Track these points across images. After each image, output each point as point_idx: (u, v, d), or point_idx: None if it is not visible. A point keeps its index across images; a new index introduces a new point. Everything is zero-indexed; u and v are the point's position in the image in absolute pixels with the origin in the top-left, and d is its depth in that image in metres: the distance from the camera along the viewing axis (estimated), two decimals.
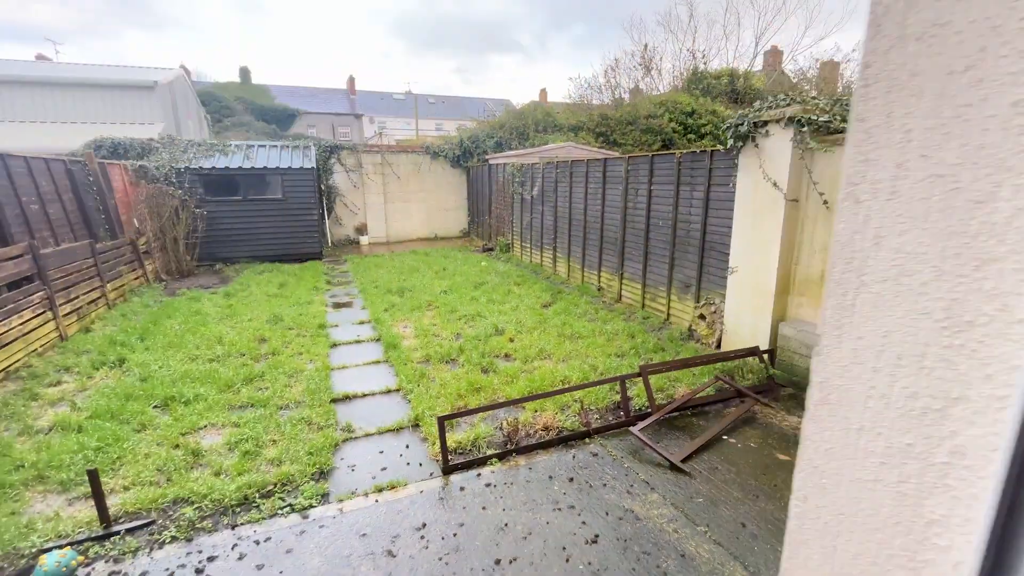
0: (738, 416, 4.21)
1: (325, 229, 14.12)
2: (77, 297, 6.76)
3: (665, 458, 3.60)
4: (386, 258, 11.98)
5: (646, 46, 23.37)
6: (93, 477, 2.87)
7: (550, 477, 3.47)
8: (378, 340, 6.29)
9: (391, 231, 15.06)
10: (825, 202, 4.51)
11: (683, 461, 3.58)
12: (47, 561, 2.57)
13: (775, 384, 4.70)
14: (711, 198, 5.93)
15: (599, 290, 8.51)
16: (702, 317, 6.05)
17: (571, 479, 3.45)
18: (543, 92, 38.77)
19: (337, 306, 8.03)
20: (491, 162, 13.58)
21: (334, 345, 6.18)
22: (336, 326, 6.96)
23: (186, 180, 10.42)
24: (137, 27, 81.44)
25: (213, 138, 19.73)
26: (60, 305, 6.33)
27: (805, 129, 4.36)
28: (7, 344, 5.23)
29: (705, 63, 22.65)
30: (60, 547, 2.76)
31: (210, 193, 10.83)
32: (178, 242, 10.07)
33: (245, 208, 11.12)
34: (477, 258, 11.75)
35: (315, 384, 4.89)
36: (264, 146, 12.08)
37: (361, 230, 14.61)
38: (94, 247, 7.42)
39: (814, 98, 4.69)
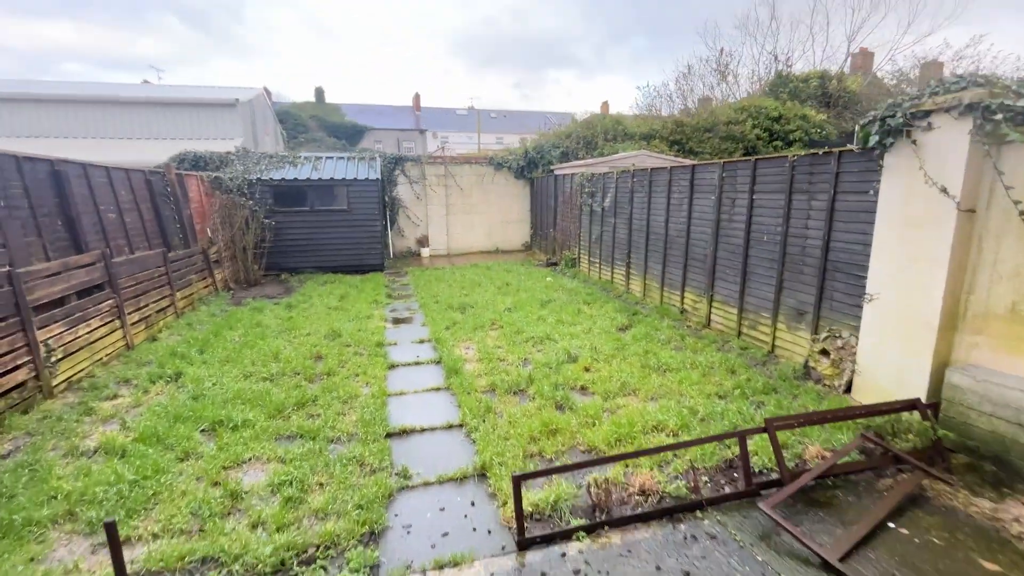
0: (903, 494, 3.18)
1: (387, 240, 14.04)
2: (147, 305, 6.75)
3: (815, 553, 2.67)
4: (447, 271, 11.59)
5: (722, 50, 22.03)
6: (111, 531, 2.41)
7: (658, 568, 2.66)
8: (439, 362, 5.73)
9: (452, 243, 14.75)
10: (1022, 213, 3.41)
11: (842, 559, 2.64)
12: None
13: (943, 449, 3.60)
14: (837, 208, 4.88)
15: (682, 313, 7.53)
16: (824, 353, 4.97)
17: (687, 574, 2.61)
18: (604, 104, 37.87)
19: (397, 322, 7.60)
20: (557, 173, 12.94)
21: (392, 367, 5.68)
22: (395, 344, 6.49)
23: (257, 191, 10.58)
24: (226, 56, 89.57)
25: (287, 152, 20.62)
26: (129, 314, 6.31)
27: (999, 117, 3.30)
28: (73, 353, 5.14)
29: (789, 66, 20.93)
30: None
31: (279, 204, 10.95)
32: (247, 252, 10.18)
33: (311, 219, 11.15)
34: (541, 273, 11.06)
35: (370, 414, 4.36)
36: (332, 158, 12.16)
37: (422, 242, 14.41)
38: (166, 256, 7.48)
39: (998, 79, 3.62)
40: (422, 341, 6.59)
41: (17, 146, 6.57)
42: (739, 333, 6.36)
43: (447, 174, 14.24)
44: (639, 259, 8.77)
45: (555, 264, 12.23)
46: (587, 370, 5.42)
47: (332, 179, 11.11)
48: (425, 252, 14.27)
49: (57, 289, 5.09)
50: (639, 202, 8.67)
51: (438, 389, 5.06)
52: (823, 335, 5.04)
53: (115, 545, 2.39)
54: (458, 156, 14.81)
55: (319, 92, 45.93)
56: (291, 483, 3.32)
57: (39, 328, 4.71)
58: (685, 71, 21.90)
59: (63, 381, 4.95)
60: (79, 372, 5.19)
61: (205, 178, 9.92)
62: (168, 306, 7.37)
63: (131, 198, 7.27)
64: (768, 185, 5.76)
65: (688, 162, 9.25)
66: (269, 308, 8.18)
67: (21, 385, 4.44)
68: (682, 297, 7.57)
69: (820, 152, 5.06)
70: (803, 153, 5.28)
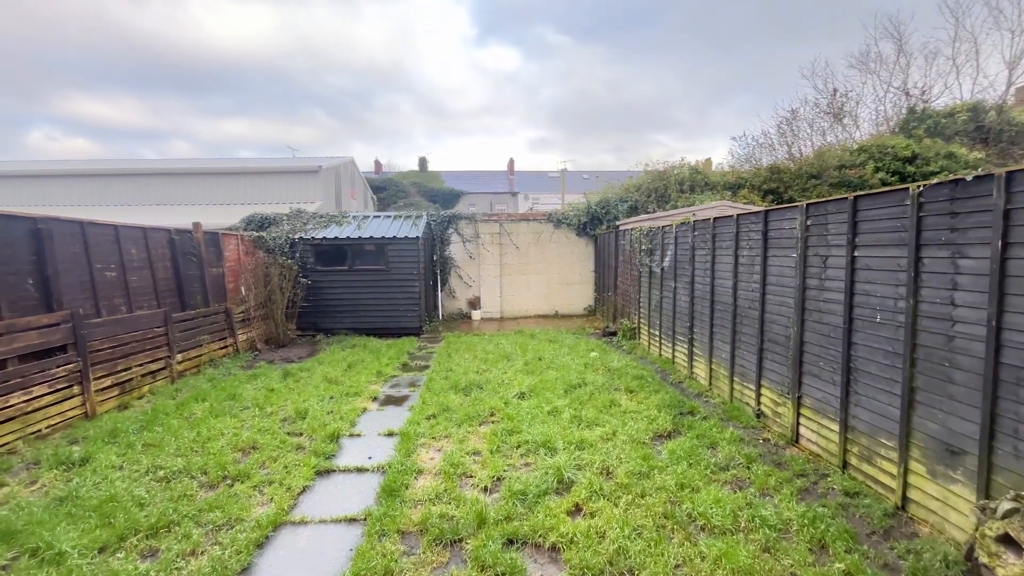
0: None
1: (438, 302, 13.25)
2: (127, 369, 6.31)
3: None
4: (485, 338, 10.27)
5: (835, 91, 19.20)
6: None
7: None
8: (383, 473, 4.27)
9: (506, 306, 13.53)
10: None
11: None
12: None
13: None
14: (1010, 271, 2.73)
15: (758, 417, 5.29)
16: (1007, 542, 2.63)
17: None
18: (707, 162, 35.55)
19: (386, 402, 6.35)
20: (621, 228, 11.30)
21: (324, 472, 4.34)
22: (358, 436, 5.19)
23: (299, 250, 10.44)
24: (359, 139, 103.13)
25: None
26: (98, 378, 5.85)
27: None
28: None
29: (926, 101, 17.43)
30: None
31: (320, 263, 10.71)
32: (278, 311, 9.87)
33: (350, 278, 10.71)
34: (589, 346, 9.24)
35: (225, 563, 3.01)
36: (378, 216, 11.89)
37: (474, 304, 13.38)
38: (168, 316, 7.17)
39: None
40: (391, 434, 5.20)
41: (138, 214, 6.80)
42: (844, 464, 4.04)
43: (502, 232, 13.30)
44: (703, 336, 6.68)
45: (613, 334, 10.31)
46: (576, 511, 3.58)
47: (372, 238, 10.68)
48: (476, 315, 13.18)
49: None
50: (701, 261, 6.72)
51: (352, 520, 3.58)
52: (1004, 504, 2.71)
53: None
54: (514, 214, 13.89)
55: (422, 161, 49.72)
56: None
57: None
58: (788, 116, 19.30)
59: None
60: None
61: (246, 236, 9.99)
62: (161, 369, 6.94)
63: (144, 256, 7.16)
64: (878, 235, 3.69)
65: (741, 206, 6.89)
66: (273, 374, 7.46)
67: None
68: (758, 394, 5.34)
69: (970, 176, 2.99)
70: (937, 181, 3.21)
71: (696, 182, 12.63)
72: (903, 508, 3.45)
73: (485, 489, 3.94)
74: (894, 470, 3.53)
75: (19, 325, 5.01)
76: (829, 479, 3.98)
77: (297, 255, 10.39)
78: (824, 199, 4.31)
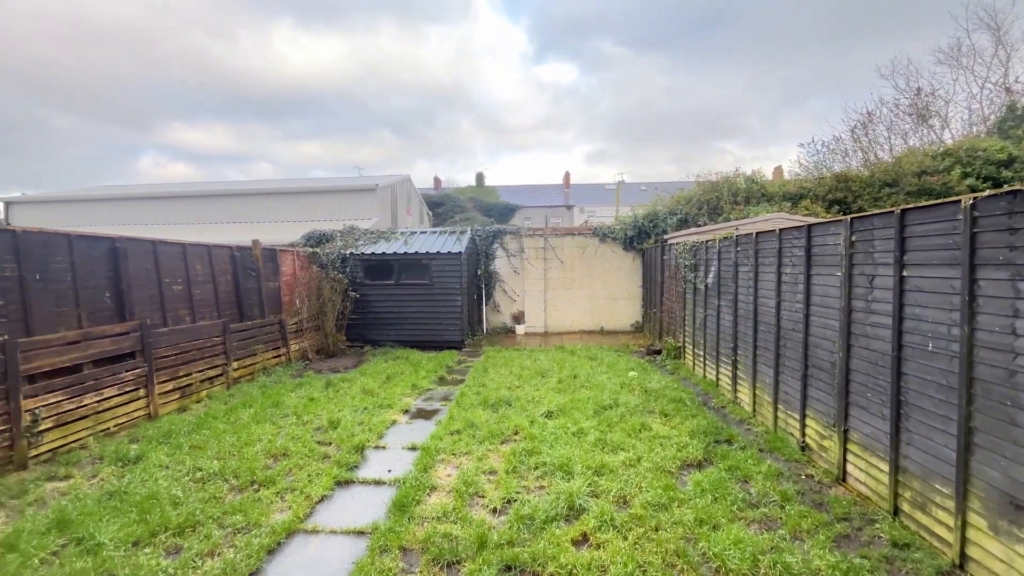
0: None
1: (482, 315, 13.39)
2: (188, 374, 6.89)
3: None
4: (524, 353, 10.22)
5: (919, 90, 17.54)
6: None
7: None
8: (398, 487, 4.32)
9: (551, 321, 13.41)
10: None
11: None
12: None
13: None
14: None
15: (803, 449, 4.84)
16: None
17: None
18: (778, 170, 33.50)
19: (416, 416, 6.47)
20: (669, 242, 10.90)
21: (344, 483, 4.47)
22: (383, 448, 5.31)
23: (349, 265, 10.98)
24: (422, 156, 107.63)
25: None
26: (162, 382, 6.43)
27: None
28: (69, 422, 5.18)
29: None
30: None
31: (369, 277, 11.20)
32: (329, 323, 10.40)
33: (396, 292, 11.10)
34: (629, 364, 8.91)
35: (236, 566, 3.17)
36: (424, 232, 12.26)
37: (518, 318, 13.39)
38: (227, 326, 7.77)
39: None
40: (414, 448, 5.28)
41: (216, 231, 7.63)
42: (895, 510, 3.58)
43: (547, 246, 13.26)
44: (746, 358, 6.24)
45: (657, 352, 9.90)
46: (583, 541, 3.43)
47: (416, 253, 11.04)
48: (520, 329, 13.17)
49: (68, 357, 5.27)
50: (744, 278, 6.32)
51: (360, 533, 3.65)
52: None
53: None
54: (559, 228, 13.81)
55: (479, 177, 50.83)
56: None
57: (27, 397, 4.80)
58: (863, 119, 17.84)
59: (47, 451, 4.93)
60: (72, 442, 5.17)
61: (301, 252, 10.66)
62: (218, 375, 7.51)
63: (208, 271, 7.84)
64: (927, 253, 3.28)
65: (799, 219, 6.18)
66: (316, 383, 7.85)
67: None
68: (802, 424, 4.89)
69: None
70: (991, 192, 2.82)
71: (752, 193, 11.95)
72: (961, 567, 3.00)
73: (494, 511, 3.88)
74: (951, 521, 3.08)
75: (95, 333, 5.64)
76: (876, 526, 3.54)
77: (348, 270, 10.93)
78: (869, 213, 3.92)
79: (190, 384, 6.93)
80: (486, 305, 13.43)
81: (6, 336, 4.70)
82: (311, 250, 10.98)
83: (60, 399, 5.12)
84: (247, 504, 3.96)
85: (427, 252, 11.01)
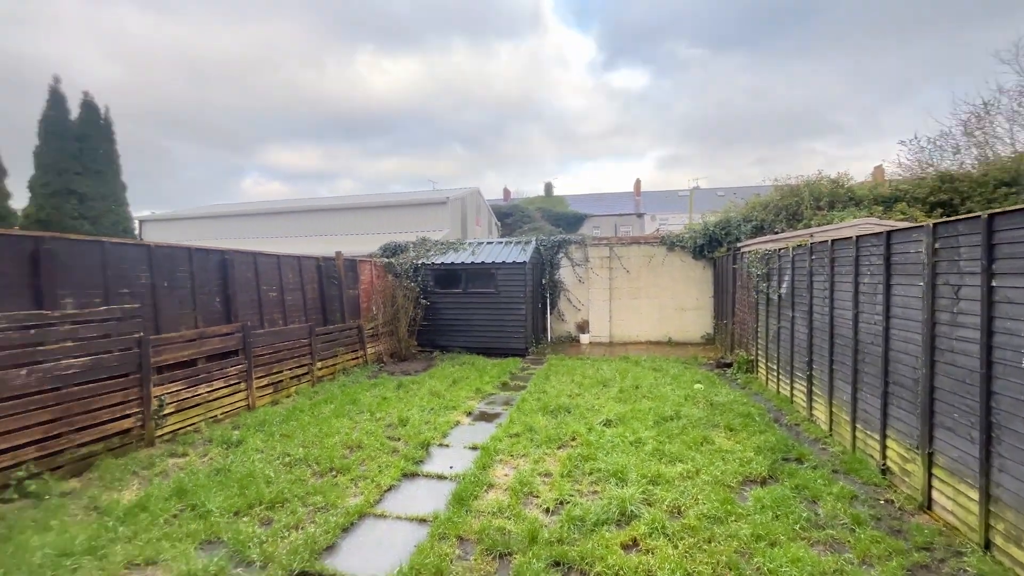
0: None
1: (547, 324, 13.56)
2: (280, 372, 7.72)
3: None
4: (587, 363, 10.23)
5: None
6: None
7: None
8: (458, 482, 4.60)
9: (616, 330, 13.27)
10: None
11: None
12: None
13: None
14: None
15: (883, 473, 4.49)
16: None
17: None
18: (879, 170, 30.43)
19: (478, 418, 6.77)
20: (742, 250, 10.45)
21: (409, 475, 4.83)
22: (446, 446, 5.65)
23: (421, 274, 11.66)
24: (492, 168, 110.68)
25: None
26: (258, 378, 7.27)
27: None
28: (187, 408, 6.04)
29: None
30: None
31: (439, 286, 11.81)
32: (402, 328, 11.09)
33: (463, 300, 11.60)
34: (695, 377, 8.64)
35: (315, 539, 3.59)
36: (491, 243, 12.70)
37: (583, 328, 13.39)
38: (312, 329, 8.59)
39: None
40: (474, 447, 5.55)
41: (303, 244, 8.72)
42: (986, 543, 3.26)
43: (612, 256, 13.18)
44: (822, 373, 5.88)
45: (727, 366, 9.50)
46: (632, 545, 3.48)
47: (483, 263, 11.48)
48: (585, 339, 13.17)
49: (187, 353, 6.17)
50: (820, 288, 5.97)
51: (422, 520, 3.95)
52: None
53: None
54: (625, 237, 13.67)
55: (548, 187, 51.28)
56: None
57: (156, 385, 5.69)
58: (980, 111, 15.91)
59: (169, 432, 5.80)
60: (188, 426, 6.03)
61: (378, 263, 11.49)
62: (305, 373, 8.32)
63: (298, 280, 8.74)
64: (1017, 261, 3.01)
65: (889, 224, 5.53)
66: (389, 384, 8.45)
67: (125, 432, 5.32)
68: (883, 445, 4.55)
69: None
70: None
71: (837, 197, 11.10)
72: None
73: (547, 510, 4.03)
74: None
75: (208, 332, 6.53)
76: (964, 559, 3.25)
77: (419, 279, 11.62)
78: (953, 218, 3.64)
79: (281, 380, 7.75)
80: (551, 314, 13.59)
81: (141, 333, 5.62)
82: (387, 260, 11.80)
83: (179, 388, 6.00)
84: (326, 487, 4.43)
85: (493, 262, 11.41)
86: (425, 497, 4.39)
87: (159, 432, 5.67)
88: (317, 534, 3.65)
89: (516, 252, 11.78)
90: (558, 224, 39.15)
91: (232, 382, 6.80)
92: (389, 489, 4.52)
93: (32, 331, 4.54)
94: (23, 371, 4.43)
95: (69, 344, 4.83)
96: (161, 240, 6.63)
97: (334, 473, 4.80)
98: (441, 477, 4.80)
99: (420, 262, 11.77)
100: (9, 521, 3.77)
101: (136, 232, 24.86)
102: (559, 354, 11.62)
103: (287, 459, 5.09)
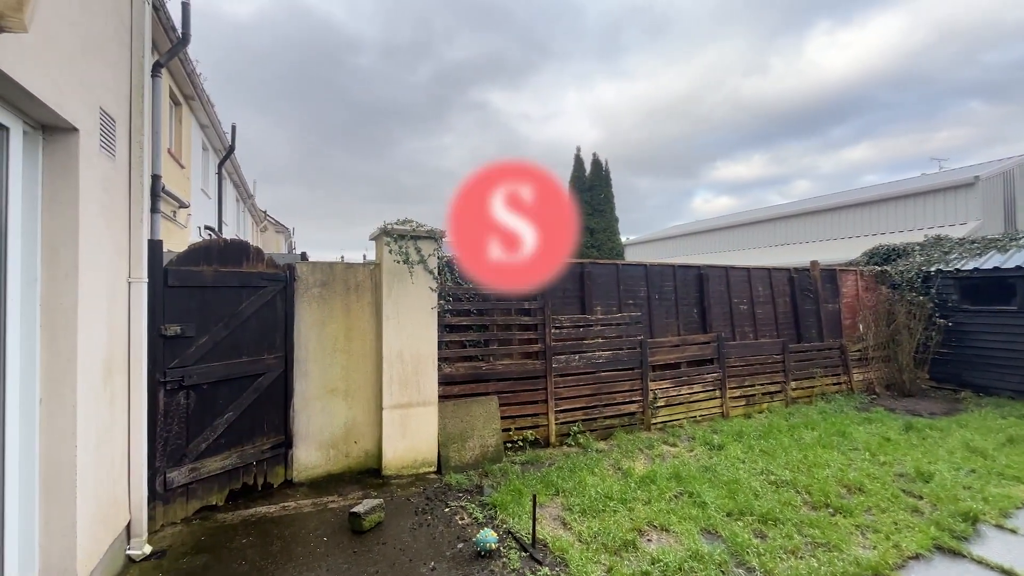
0: None
1: None
2: (752, 386, 7.62)
3: None
4: None
5: None
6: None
7: None
8: None
9: None
10: None
11: None
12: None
13: None
14: None
15: None
16: None
17: None
18: None
19: None
20: None
21: (945, 549, 3.59)
22: (1010, 531, 3.88)
23: (934, 284, 8.80)
24: None
25: None
26: (731, 388, 7.45)
27: None
28: (672, 405, 6.91)
29: None
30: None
31: (968, 301, 8.54)
32: (903, 355, 8.67)
33: (1017, 323, 7.87)
34: None
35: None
36: None
37: None
38: (785, 345, 8.02)
39: None
40: None
41: (762, 255, 9.32)
42: None
43: None
44: None
45: None
46: None
47: None
48: None
49: (672, 356, 7.05)
50: None
51: None
52: None
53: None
54: None
55: None
56: None
57: (651, 380, 6.79)
58: None
59: (659, 422, 6.79)
60: (672, 421, 6.88)
61: (866, 272, 9.45)
62: (776, 392, 7.85)
63: (768, 293, 8.42)
64: None
65: None
66: (883, 422, 6.80)
67: (631, 415, 6.62)
68: None
69: None
70: None
71: None
72: None
73: None
74: None
75: (688, 340, 7.26)
76: None
77: (932, 291, 8.78)
78: None
79: (753, 395, 7.62)
80: None
81: (642, 336, 6.87)
82: (879, 269, 9.59)
83: (667, 386, 6.92)
84: (823, 522, 3.93)
85: None
86: None
87: (653, 420, 6.72)
88: (805, 572, 3.26)
89: None
90: None
91: (708, 388, 7.25)
92: (915, 557, 3.51)
93: (581, 329, 6.40)
94: (576, 356, 6.30)
95: (599, 340, 6.50)
96: (633, 260, 7.87)
97: (831, 511, 4.21)
98: (1005, 572, 3.31)
99: (934, 268, 8.89)
100: (572, 460, 5.38)
101: (623, 255, 31.26)
102: None
103: (772, 477, 4.88)
